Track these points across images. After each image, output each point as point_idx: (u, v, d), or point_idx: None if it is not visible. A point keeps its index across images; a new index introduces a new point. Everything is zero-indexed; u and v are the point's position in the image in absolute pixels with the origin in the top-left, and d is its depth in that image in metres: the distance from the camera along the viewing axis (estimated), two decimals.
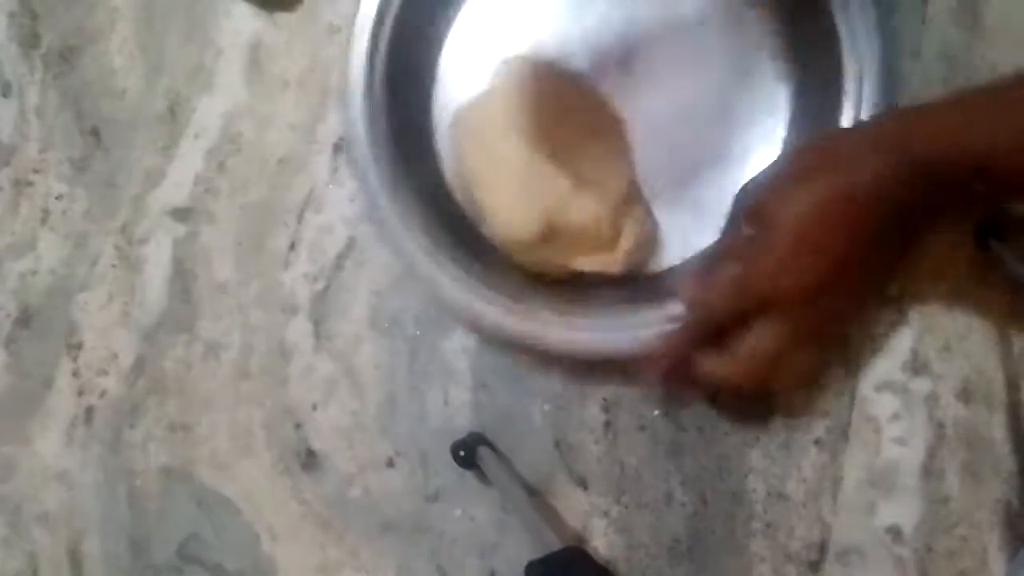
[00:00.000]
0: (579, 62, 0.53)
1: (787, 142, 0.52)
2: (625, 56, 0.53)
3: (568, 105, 0.52)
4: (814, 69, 0.51)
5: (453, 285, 0.49)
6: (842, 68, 0.49)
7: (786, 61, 0.52)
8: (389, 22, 0.50)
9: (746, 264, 0.43)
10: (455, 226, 0.52)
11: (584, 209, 0.50)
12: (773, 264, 0.42)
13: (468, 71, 0.53)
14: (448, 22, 0.54)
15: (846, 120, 0.49)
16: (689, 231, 0.53)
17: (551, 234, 0.50)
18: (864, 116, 0.48)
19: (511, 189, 0.50)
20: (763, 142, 0.53)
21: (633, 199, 0.52)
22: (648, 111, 0.53)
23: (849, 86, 0.49)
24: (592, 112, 0.52)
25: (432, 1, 0.53)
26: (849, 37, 0.48)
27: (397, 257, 0.49)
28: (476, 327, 0.52)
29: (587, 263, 0.51)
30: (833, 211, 0.41)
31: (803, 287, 0.42)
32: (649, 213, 0.52)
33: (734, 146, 0.53)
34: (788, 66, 0.53)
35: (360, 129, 0.50)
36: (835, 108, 0.49)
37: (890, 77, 0.49)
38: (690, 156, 0.53)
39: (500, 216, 0.51)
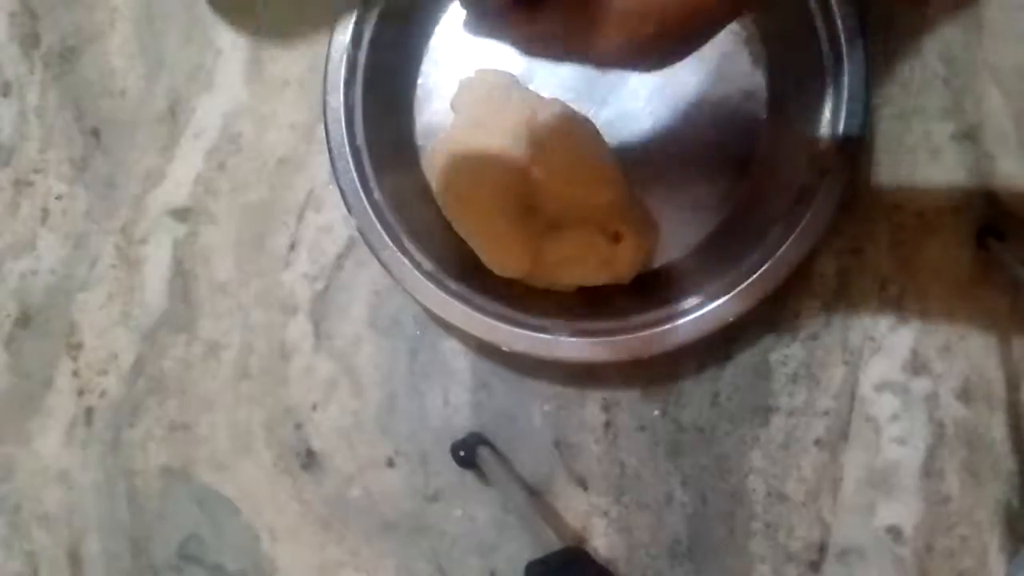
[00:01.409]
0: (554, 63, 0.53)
1: (767, 124, 0.53)
2: None
3: (535, 117, 0.50)
4: (791, 54, 0.51)
5: (444, 300, 0.48)
6: (821, 54, 0.49)
7: (762, 45, 0.53)
8: (366, 40, 0.50)
9: None
10: (448, 238, 0.52)
11: (573, 235, 0.49)
12: None
13: (449, 84, 0.53)
14: (426, 37, 0.54)
15: (828, 106, 0.49)
16: (687, 221, 0.52)
17: (546, 264, 0.50)
18: (844, 101, 0.48)
19: (495, 230, 0.49)
20: (743, 125, 0.53)
21: (628, 203, 0.51)
22: (626, 106, 0.53)
23: (828, 69, 0.49)
24: (562, 120, 0.50)
25: (408, 17, 0.53)
26: (825, 23, 0.49)
27: (386, 271, 0.49)
28: (477, 343, 0.52)
29: (594, 278, 0.51)
30: None
31: None
32: (647, 213, 0.52)
33: (711, 132, 0.53)
34: (764, 50, 0.53)
35: (342, 144, 0.50)
36: (816, 92, 0.49)
37: (868, 60, 0.49)
38: (675, 146, 0.53)
39: (488, 256, 0.50)
